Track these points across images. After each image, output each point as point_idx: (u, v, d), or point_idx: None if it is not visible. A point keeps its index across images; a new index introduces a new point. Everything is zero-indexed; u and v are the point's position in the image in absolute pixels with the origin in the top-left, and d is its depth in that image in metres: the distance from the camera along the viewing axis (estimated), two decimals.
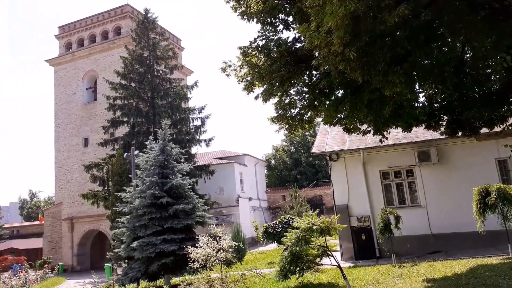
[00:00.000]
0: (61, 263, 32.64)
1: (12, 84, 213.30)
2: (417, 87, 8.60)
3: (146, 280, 15.80)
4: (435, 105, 9.75)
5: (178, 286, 7.32)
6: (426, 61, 7.91)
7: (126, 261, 16.95)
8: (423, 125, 10.48)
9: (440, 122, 10.24)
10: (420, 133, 15.23)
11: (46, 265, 28.50)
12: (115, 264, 20.31)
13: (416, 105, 9.49)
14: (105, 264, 22.80)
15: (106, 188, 29.49)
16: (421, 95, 9.28)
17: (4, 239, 48.87)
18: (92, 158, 34.13)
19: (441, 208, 14.93)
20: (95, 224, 35.39)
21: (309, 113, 9.76)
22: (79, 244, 36.17)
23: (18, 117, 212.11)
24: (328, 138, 17.65)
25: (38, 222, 51.30)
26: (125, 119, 30.22)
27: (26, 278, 21.85)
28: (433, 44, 7.75)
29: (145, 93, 30.63)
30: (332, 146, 16.74)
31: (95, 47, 38.59)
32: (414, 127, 10.39)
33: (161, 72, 31.65)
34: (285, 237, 10.69)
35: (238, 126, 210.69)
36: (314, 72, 9.15)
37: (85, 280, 19.00)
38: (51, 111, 40.10)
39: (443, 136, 11.66)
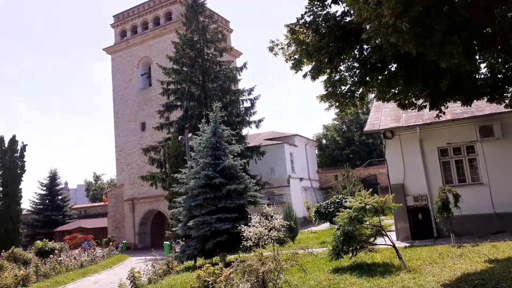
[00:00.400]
0: (124, 241, 34.74)
1: (76, 73, 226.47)
2: (477, 57, 8.01)
3: (203, 258, 16.47)
4: (498, 76, 9.05)
5: (232, 263, 7.54)
6: (487, 29, 7.33)
7: (184, 239, 17.73)
8: (485, 98, 9.77)
9: (504, 95, 9.50)
10: (481, 106, 14.31)
11: (111, 243, 30.44)
12: (173, 242, 21.29)
13: (476, 76, 8.87)
14: (164, 242, 23.98)
15: (163, 170, 30.75)
16: (482, 65, 8.64)
17: (73, 218, 52.92)
18: (149, 141, 35.62)
19: (506, 186, 14.05)
20: (154, 204, 37.18)
21: (361, 90, 9.44)
22: (140, 223, 38.28)
23: (81, 105, 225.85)
24: (382, 115, 17.07)
25: (102, 203, 54.82)
26: (179, 103, 31.08)
27: (94, 255, 23.60)
28: (496, 10, 7.15)
29: (196, 77, 31.24)
30: (386, 123, 16.19)
31: (148, 33, 39.75)
32: (475, 101, 9.75)
33: (211, 55, 32.05)
34: (337, 217, 10.63)
35: (287, 106, 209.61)
36: (365, 46, 8.80)
37: (146, 257, 20.10)
38: (110, 98, 42.21)
39: (508, 109, 10.85)
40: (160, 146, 31.07)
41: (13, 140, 41.11)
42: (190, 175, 16.79)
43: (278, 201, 31.85)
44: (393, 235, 10.25)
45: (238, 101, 32.22)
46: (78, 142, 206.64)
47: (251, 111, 32.61)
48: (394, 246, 9.83)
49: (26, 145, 42.00)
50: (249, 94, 32.70)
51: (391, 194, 12.34)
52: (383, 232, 10.05)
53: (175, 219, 19.21)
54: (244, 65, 32.91)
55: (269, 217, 14.06)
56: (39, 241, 22.12)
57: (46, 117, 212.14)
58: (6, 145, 40.67)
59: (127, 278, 10.57)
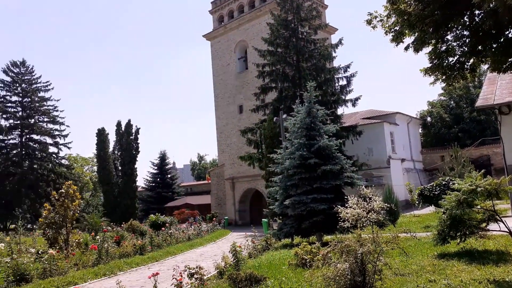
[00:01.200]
0: (226, 217, 36.81)
1: (182, 60, 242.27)
2: None
3: (299, 236, 16.71)
4: None
5: (331, 243, 7.52)
6: None
7: (280, 217, 18.15)
8: None
9: None
10: None
11: (214, 218, 32.52)
12: (271, 219, 21.93)
13: None
14: (263, 220, 24.81)
15: (260, 150, 31.63)
16: None
17: (181, 195, 57.53)
18: (247, 123, 36.80)
19: None
20: (252, 184, 38.58)
21: (471, 60, 8.52)
22: (239, 201, 40.12)
23: (184, 90, 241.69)
24: (497, 88, 15.25)
25: (206, 182, 58.61)
26: (273, 84, 31.44)
27: (199, 229, 25.46)
28: None
29: (290, 57, 31.17)
30: (502, 97, 14.45)
31: (243, 17, 40.60)
32: None
33: (305, 34, 31.62)
34: (443, 200, 9.88)
35: (387, 82, 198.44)
36: (477, 12, 7.89)
37: (246, 233, 21.06)
38: (211, 83, 44.31)
39: None
40: (257, 128, 31.89)
41: (129, 124, 45.70)
42: (285, 156, 16.99)
43: (377, 183, 30.69)
44: (509, 221, 9.21)
45: (333, 79, 31.44)
46: (183, 125, 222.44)
47: (347, 89, 31.64)
48: (510, 232, 8.85)
49: (139, 128, 46.42)
50: (345, 71, 31.72)
51: (507, 176, 11.04)
52: (497, 217, 9.09)
53: (272, 198, 19.71)
54: (340, 42, 31.87)
55: (368, 199, 13.63)
56: (152, 215, 24.56)
57: (155, 103, 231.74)
58: (123, 128, 45.39)
59: (229, 252, 11.21)
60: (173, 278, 7.83)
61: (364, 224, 12.06)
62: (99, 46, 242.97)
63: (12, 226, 41.74)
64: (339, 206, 12.43)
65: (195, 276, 9.05)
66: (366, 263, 6.81)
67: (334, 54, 31.98)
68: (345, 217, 11.85)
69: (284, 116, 22.47)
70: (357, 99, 31.64)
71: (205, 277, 9.39)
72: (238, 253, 10.90)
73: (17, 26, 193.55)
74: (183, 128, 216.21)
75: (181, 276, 7.98)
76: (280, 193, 16.81)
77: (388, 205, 14.24)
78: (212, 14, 44.66)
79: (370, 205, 12.58)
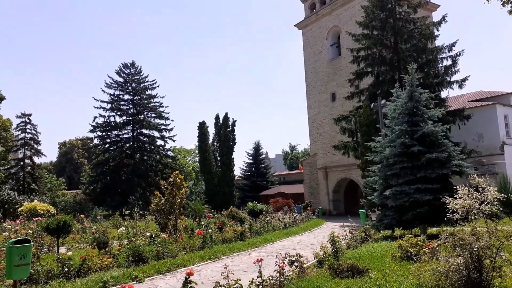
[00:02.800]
0: (320, 207, 36.60)
1: (273, 50, 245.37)
2: None
3: (400, 228, 15.94)
4: None
5: (439, 235, 7.05)
6: None
7: (379, 208, 17.48)
8: None
9: None
10: None
11: (308, 207, 32.55)
12: (368, 210, 21.26)
13: None
14: (360, 210, 24.17)
15: (355, 139, 30.76)
16: None
17: (274, 184, 58.61)
18: (340, 111, 35.99)
19: None
20: (346, 173, 37.74)
21: None
22: (333, 191, 39.57)
23: (276, 80, 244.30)
24: None
25: (298, 171, 58.81)
26: (369, 69, 30.19)
27: (294, 217, 25.71)
28: None
29: (387, 39, 29.57)
30: None
31: (336, 2, 39.49)
32: None
33: (403, 13, 29.71)
34: None
35: (499, 61, 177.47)
36: None
37: (343, 223, 20.72)
38: (302, 72, 44.12)
39: None
40: (351, 115, 31.03)
41: (226, 117, 47.71)
42: (385, 144, 16.26)
43: (489, 172, 27.80)
44: None
45: (436, 60, 29.14)
46: (274, 116, 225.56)
47: (452, 69, 29.09)
48: None
49: (236, 120, 48.16)
50: (450, 50, 29.16)
51: None
52: None
53: (370, 188, 19.07)
54: (443, 19, 29.34)
55: (480, 189, 12.42)
56: (250, 203, 25.43)
57: (247, 95, 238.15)
58: (221, 121, 47.59)
59: (327, 241, 11.14)
60: (276, 264, 8.03)
61: (476, 217, 11.04)
62: (205, 45, 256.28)
63: (127, 212, 46.55)
64: (447, 197, 11.54)
65: (295, 264, 9.20)
66: (483, 258, 6.25)
67: (436, 33, 29.62)
68: (454, 209, 10.95)
69: (383, 101, 21.46)
70: (464, 80, 28.99)
71: (304, 265, 9.49)
72: (336, 242, 10.78)
73: (130, 29, 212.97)
74: (274, 119, 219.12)
75: (283, 263, 8.16)
76: (379, 183, 16.18)
77: (504, 196, 12.82)
78: (303, 2, 44.30)
79: (483, 196, 11.46)
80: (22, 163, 53.21)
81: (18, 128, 54.17)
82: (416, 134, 14.94)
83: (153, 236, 14.52)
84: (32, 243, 8.31)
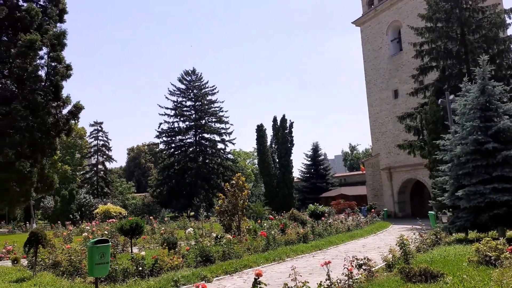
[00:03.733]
0: (385, 209, 35.28)
1: (330, 49, 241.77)
2: None
3: (475, 231, 14.96)
4: None
5: None
6: None
7: (451, 209, 16.52)
8: None
9: None
10: None
11: (372, 210, 31.54)
12: (438, 212, 20.18)
13: None
14: (429, 212, 23.00)
15: (421, 137, 29.37)
16: None
17: (335, 186, 57.53)
18: (403, 109, 34.57)
19: None
20: (412, 173, 36.10)
21: None
22: (398, 192, 38.00)
23: (334, 79, 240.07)
24: None
25: (360, 172, 57.23)
26: (434, 63, 28.71)
27: (358, 220, 25.05)
28: None
29: (453, 31, 27.92)
30: None
31: None
32: None
33: (470, 2, 27.90)
34: None
35: None
36: None
37: (411, 225, 19.84)
38: (361, 69, 43.05)
39: None
40: (416, 112, 29.73)
41: (283, 119, 47.80)
42: (455, 141, 15.35)
43: None
44: None
45: (509, 50, 27.02)
46: (332, 116, 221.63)
47: None
48: None
49: (293, 122, 48.11)
50: None
51: None
52: None
53: (439, 189, 18.09)
54: None
55: None
56: (311, 205, 25.22)
57: (305, 95, 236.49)
58: (278, 123, 47.76)
59: (396, 244, 10.72)
60: (344, 267, 7.90)
61: None
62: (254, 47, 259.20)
63: (191, 213, 48.17)
64: None
65: (363, 267, 8.96)
66: None
67: (508, 21, 27.49)
68: None
69: (451, 97, 20.28)
70: None
71: (373, 269, 9.21)
72: (405, 246, 10.33)
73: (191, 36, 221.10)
74: (332, 119, 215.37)
75: (352, 266, 8.00)
76: (450, 183, 15.28)
77: None
78: None
79: None
80: (95, 168, 57.20)
81: (91, 136, 58.39)
82: (490, 130, 13.93)
83: (218, 236, 14.90)
84: (110, 243, 8.88)
